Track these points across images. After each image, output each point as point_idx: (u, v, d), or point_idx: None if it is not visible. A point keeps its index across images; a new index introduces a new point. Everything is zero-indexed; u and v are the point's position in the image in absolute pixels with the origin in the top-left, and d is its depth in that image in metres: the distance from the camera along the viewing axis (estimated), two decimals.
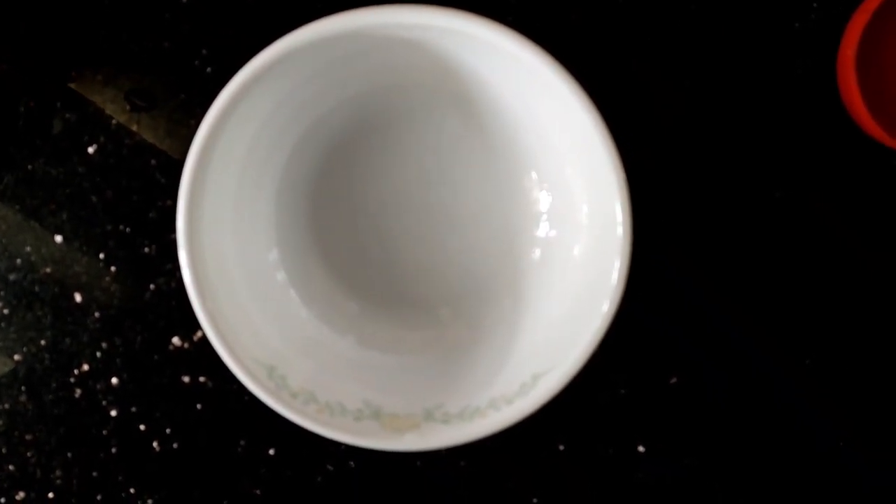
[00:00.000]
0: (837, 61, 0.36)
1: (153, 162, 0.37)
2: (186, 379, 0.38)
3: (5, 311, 0.38)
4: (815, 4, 0.36)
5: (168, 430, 0.39)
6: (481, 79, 0.32)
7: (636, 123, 0.36)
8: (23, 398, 0.39)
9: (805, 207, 0.37)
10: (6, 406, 0.39)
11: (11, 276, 0.38)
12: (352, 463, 0.39)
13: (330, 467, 0.39)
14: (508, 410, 0.31)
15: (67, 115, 0.37)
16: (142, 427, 0.39)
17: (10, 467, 0.39)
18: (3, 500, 0.39)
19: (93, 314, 0.38)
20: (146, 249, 0.38)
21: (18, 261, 0.38)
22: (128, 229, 0.37)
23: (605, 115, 0.28)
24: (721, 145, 0.36)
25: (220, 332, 0.31)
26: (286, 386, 0.32)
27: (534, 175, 0.35)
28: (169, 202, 0.37)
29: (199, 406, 0.38)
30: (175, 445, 0.39)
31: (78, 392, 0.39)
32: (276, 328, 0.34)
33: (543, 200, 0.35)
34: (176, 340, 0.38)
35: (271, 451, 0.39)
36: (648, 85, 0.36)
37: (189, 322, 0.38)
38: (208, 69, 0.36)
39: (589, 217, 0.31)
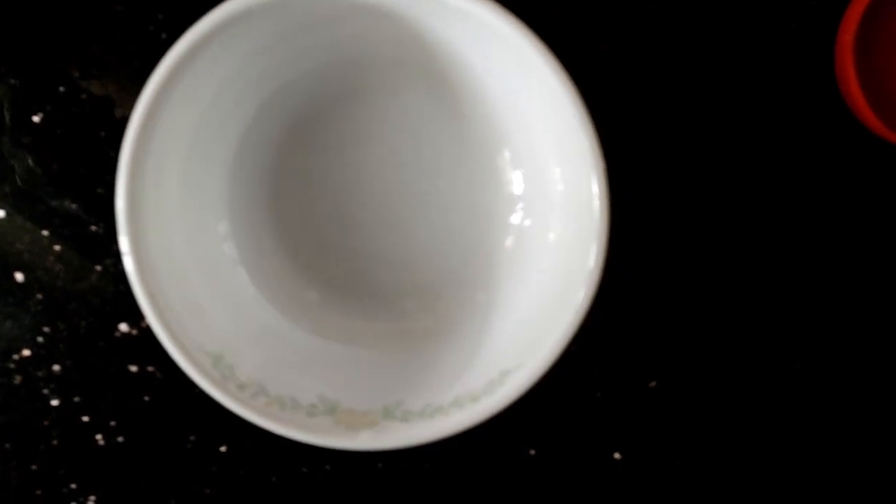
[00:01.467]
0: (836, 47, 0.34)
1: (102, 134, 0.35)
2: (134, 368, 0.36)
3: None
4: None
5: (113, 423, 0.37)
6: (454, 53, 0.30)
7: (624, 113, 0.34)
8: None
9: (797, 203, 0.35)
10: None
11: None
12: (308, 463, 0.37)
13: (286, 466, 0.37)
14: (473, 409, 0.29)
15: (12, 81, 0.34)
16: (85, 418, 0.37)
17: None
18: None
19: (35, 295, 0.36)
20: (93, 227, 0.35)
21: None
22: (74, 206, 0.35)
23: (594, 107, 0.27)
24: (712, 138, 0.35)
25: (161, 314, 0.29)
26: (233, 376, 0.30)
27: (507, 154, 0.33)
28: None
29: (146, 398, 0.36)
30: (120, 439, 0.37)
31: (17, 379, 0.36)
32: (227, 315, 0.32)
33: (517, 182, 0.33)
34: (123, 327, 0.36)
35: (223, 448, 0.37)
36: (639, 77, 0.34)
37: (138, 307, 0.35)
38: (164, 35, 0.34)
39: (564, 197, 0.29)
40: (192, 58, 0.27)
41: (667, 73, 0.34)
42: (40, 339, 0.36)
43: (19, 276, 0.36)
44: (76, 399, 0.37)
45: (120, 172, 0.28)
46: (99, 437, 0.37)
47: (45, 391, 0.37)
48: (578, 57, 0.33)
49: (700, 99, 0.34)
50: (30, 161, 0.35)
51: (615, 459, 0.36)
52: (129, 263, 0.29)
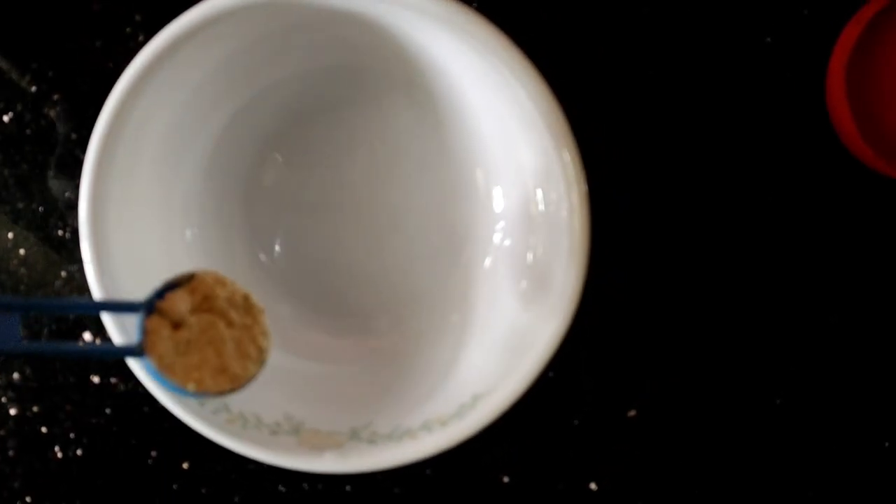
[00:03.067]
0: (827, 74, 0.33)
1: (74, 136, 0.34)
2: (96, 379, 0.35)
3: None
4: (805, 11, 0.33)
5: (72, 435, 0.36)
6: (436, 64, 0.30)
7: (620, 115, 0.34)
8: None
9: (782, 226, 0.34)
10: None
11: None
12: (273, 484, 0.35)
13: (250, 486, 0.35)
14: (442, 433, 0.28)
15: None
16: (43, 429, 0.36)
17: None
18: None
19: None
20: (60, 232, 0.34)
21: None
22: (41, 209, 0.34)
23: (589, 110, 0.27)
24: (698, 161, 0.34)
25: (122, 323, 0.28)
26: None
27: (488, 170, 0.32)
28: None
29: (108, 410, 0.35)
30: (79, 452, 0.36)
31: None
32: None
33: (497, 199, 0.32)
34: (87, 336, 0.35)
35: (185, 465, 0.36)
36: (636, 78, 0.33)
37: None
38: (141, 37, 0.33)
39: (545, 217, 0.28)
40: (162, 61, 0.27)
41: (662, 74, 0.33)
42: None
43: None
44: (35, 409, 0.35)
45: (84, 176, 0.27)
46: (57, 448, 0.36)
47: (3, 399, 0.35)
48: (574, 58, 0.33)
49: (698, 102, 0.34)
50: None
51: (591, 490, 0.35)
52: (90, 271, 0.28)
